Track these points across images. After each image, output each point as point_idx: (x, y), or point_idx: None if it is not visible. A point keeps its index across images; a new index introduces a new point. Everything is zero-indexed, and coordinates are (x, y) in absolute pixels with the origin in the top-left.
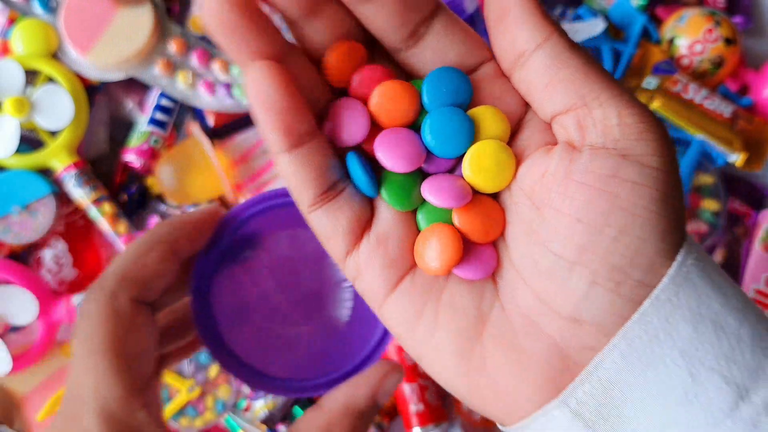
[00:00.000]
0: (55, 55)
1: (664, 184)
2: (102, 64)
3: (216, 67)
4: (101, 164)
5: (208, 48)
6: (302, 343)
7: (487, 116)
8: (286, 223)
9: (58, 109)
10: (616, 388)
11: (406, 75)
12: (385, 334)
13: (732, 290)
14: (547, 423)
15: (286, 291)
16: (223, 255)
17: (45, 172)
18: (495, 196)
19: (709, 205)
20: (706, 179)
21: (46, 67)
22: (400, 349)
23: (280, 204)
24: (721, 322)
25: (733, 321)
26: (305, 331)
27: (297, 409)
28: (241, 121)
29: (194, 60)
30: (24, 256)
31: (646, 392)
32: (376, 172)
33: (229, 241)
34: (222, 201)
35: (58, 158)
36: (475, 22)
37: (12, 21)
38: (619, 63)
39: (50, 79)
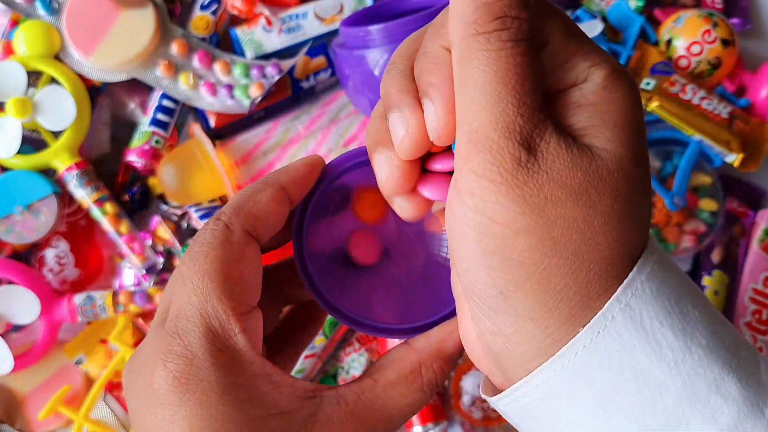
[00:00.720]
0: (58, 57)
1: (490, 236)
2: (104, 65)
3: (218, 68)
4: (103, 164)
5: (209, 49)
6: (396, 288)
7: None
8: None
9: (61, 110)
10: (530, 416)
11: None
12: None
13: (671, 340)
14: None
15: (381, 239)
16: (323, 202)
17: (47, 173)
18: None
19: (707, 205)
20: (704, 179)
21: (48, 69)
22: None
23: None
24: (644, 371)
25: (659, 372)
26: (399, 277)
27: None
28: (243, 122)
29: (196, 61)
30: (26, 256)
31: (558, 428)
32: None
33: (329, 189)
34: (224, 201)
35: (61, 159)
36: None
37: (15, 23)
38: None
39: (53, 80)
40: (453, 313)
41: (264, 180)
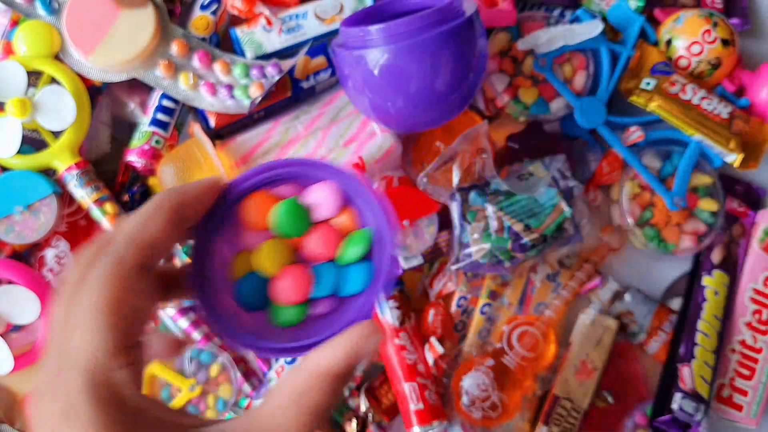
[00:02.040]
0: (57, 57)
1: None
2: (104, 65)
3: (218, 68)
4: (103, 164)
5: (209, 49)
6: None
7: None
8: (285, 193)
9: (61, 110)
10: None
11: None
12: (368, 300)
13: None
14: None
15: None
16: (222, 222)
17: (47, 173)
18: None
19: (707, 205)
20: (704, 179)
21: (48, 68)
22: (400, 348)
23: (279, 174)
24: None
25: None
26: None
27: None
28: (243, 122)
29: (196, 61)
30: (26, 256)
31: None
32: None
33: (228, 209)
34: None
35: (61, 158)
36: (474, 24)
37: (15, 23)
38: (617, 64)
39: (52, 80)
40: (342, 329)
41: (157, 202)
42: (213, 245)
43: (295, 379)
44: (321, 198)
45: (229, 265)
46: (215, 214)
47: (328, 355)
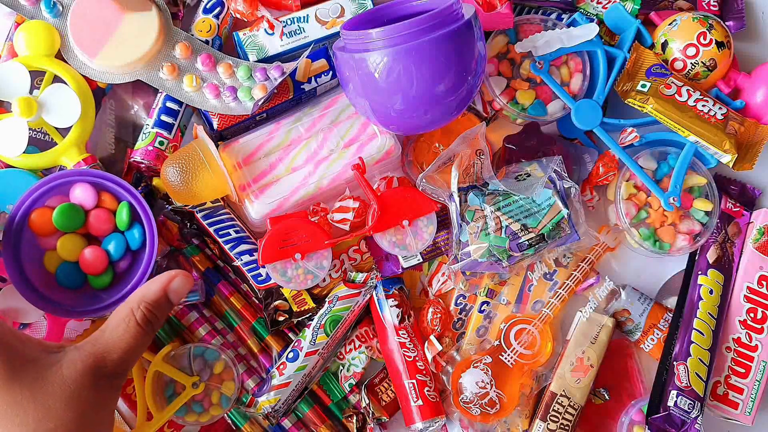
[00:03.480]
0: (59, 56)
1: None
2: (109, 67)
3: (221, 70)
4: (107, 166)
5: (213, 52)
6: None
7: None
8: (54, 203)
9: (66, 107)
10: None
11: None
12: (152, 244)
13: None
14: None
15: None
16: (19, 241)
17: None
18: None
19: (702, 205)
20: (699, 180)
21: (50, 67)
22: (400, 345)
23: (43, 192)
24: None
25: None
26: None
27: (301, 405)
28: (245, 124)
29: (199, 64)
30: None
31: None
32: None
33: (18, 231)
34: (226, 202)
35: (68, 155)
36: (472, 27)
37: (20, 25)
38: (613, 67)
39: (55, 78)
40: (144, 272)
41: None
42: (20, 259)
43: (123, 307)
44: (80, 195)
45: (42, 265)
46: (8, 239)
47: (145, 287)
